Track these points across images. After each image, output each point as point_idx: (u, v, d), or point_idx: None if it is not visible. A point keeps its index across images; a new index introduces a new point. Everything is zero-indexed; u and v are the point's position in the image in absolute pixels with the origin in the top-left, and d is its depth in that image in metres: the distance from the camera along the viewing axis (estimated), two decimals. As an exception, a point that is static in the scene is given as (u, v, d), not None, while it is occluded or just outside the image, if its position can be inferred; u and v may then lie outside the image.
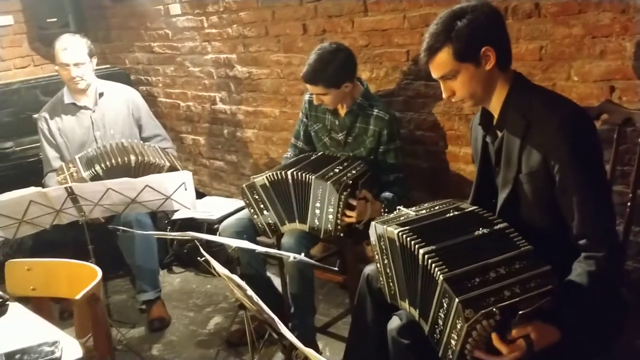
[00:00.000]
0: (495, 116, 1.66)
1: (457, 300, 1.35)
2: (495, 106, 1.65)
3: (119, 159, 2.82)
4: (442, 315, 1.44)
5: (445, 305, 1.41)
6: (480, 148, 1.77)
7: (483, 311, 1.34)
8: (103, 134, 3.09)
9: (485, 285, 1.37)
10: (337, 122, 2.58)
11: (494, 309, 1.34)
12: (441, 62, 1.58)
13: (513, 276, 1.39)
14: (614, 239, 1.52)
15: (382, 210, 2.35)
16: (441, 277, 1.40)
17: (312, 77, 2.39)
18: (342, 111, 2.55)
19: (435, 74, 1.63)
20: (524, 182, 1.58)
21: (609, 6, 2.03)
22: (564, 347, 1.42)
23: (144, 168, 2.87)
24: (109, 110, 3.12)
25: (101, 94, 3.12)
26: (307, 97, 2.70)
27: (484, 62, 1.56)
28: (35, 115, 3.43)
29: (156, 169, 2.89)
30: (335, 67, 2.37)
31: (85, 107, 3.09)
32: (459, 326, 1.37)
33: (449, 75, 1.59)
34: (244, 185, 2.47)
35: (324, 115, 2.63)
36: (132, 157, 2.83)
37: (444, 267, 1.41)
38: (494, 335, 1.36)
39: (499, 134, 1.66)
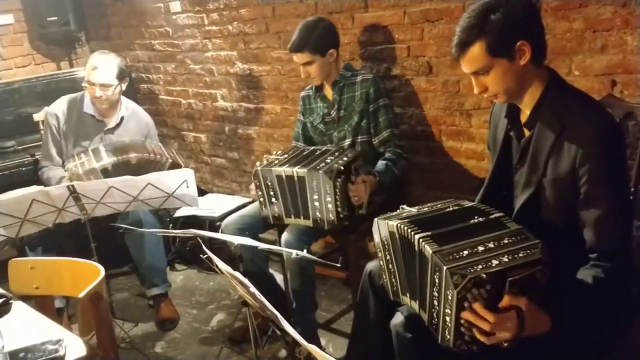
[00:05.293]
0: (527, 113, 1.59)
1: (445, 268, 1.37)
2: (527, 103, 1.58)
3: (138, 154, 2.84)
4: (436, 294, 1.45)
5: (437, 280, 1.43)
6: (501, 140, 1.72)
7: (471, 277, 1.34)
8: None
9: (474, 256, 1.39)
10: (326, 105, 2.67)
11: (482, 275, 1.35)
12: (473, 58, 1.51)
13: (502, 249, 1.40)
14: (626, 256, 1.49)
15: (376, 180, 2.39)
16: (430, 251, 1.42)
17: (299, 44, 2.50)
18: (329, 93, 2.65)
19: (466, 69, 1.56)
20: (547, 187, 1.54)
21: (610, 0, 2.03)
22: (563, 346, 1.42)
23: (149, 165, 2.88)
24: (123, 133, 3.10)
25: (122, 118, 3.10)
26: (302, 94, 2.80)
27: (518, 57, 1.49)
28: (36, 114, 3.43)
29: (157, 164, 2.90)
30: (318, 33, 2.50)
31: (104, 124, 3.08)
32: (450, 297, 1.38)
33: (481, 70, 1.52)
34: (259, 167, 2.44)
35: (316, 104, 2.72)
36: (151, 156, 2.86)
37: (434, 244, 1.44)
38: (477, 305, 1.36)
39: (527, 131, 1.62)
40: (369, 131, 2.58)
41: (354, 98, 2.57)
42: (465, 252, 1.41)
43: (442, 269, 1.38)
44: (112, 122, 3.10)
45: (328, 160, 2.32)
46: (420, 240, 1.48)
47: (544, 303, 1.40)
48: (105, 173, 2.74)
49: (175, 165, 2.91)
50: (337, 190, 2.25)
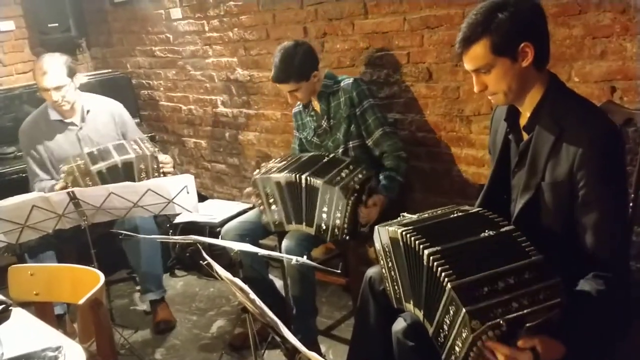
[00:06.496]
0: (527, 115, 1.59)
1: (464, 310, 1.33)
2: (527, 106, 1.59)
3: (125, 156, 2.79)
4: (448, 322, 1.42)
5: (451, 312, 1.39)
6: (500, 143, 1.72)
7: (490, 323, 1.32)
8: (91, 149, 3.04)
9: (494, 295, 1.35)
10: (316, 117, 2.68)
11: (501, 321, 1.33)
12: (477, 55, 1.51)
13: (522, 287, 1.36)
14: (625, 262, 1.49)
15: (385, 197, 2.38)
16: (449, 285, 1.36)
17: (284, 76, 2.50)
18: (317, 105, 2.65)
19: (468, 66, 1.55)
20: (546, 191, 1.53)
21: (609, 6, 2.03)
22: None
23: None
24: (96, 126, 3.06)
25: (88, 111, 3.05)
26: (293, 111, 2.81)
27: (520, 59, 1.49)
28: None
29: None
30: (300, 60, 2.49)
31: (72, 124, 3.03)
32: (464, 335, 1.36)
33: (483, 68, 1.52)
34: (257, 176, 2.44)
35: (307, 119, 2.73)
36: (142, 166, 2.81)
37: (450, 271, 1.38)
38: (496, 345, 1.35)
39: (525, 135, 1.61)
40: (359, 135, 2.57)
41: (340, 105, 2.57)
42: (485, 289, 1.35)
43: (460, 307, 1.34)
44: (78, 119, 3.04)
45: (343, 175, 2.31)
46: (431, 257, 1.43)
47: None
48: (101, 175, 2.72)
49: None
50: (349, 208, 2.25)
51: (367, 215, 2.32)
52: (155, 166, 2.84)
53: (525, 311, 1.34)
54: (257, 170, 2.49)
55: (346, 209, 2.26)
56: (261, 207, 2.50)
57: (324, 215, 2.33)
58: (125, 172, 2.76)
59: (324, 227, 2.35)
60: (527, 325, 1.33)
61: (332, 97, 2.60)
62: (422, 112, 2.73)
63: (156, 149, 2.90)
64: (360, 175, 2.31)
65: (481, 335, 1.34)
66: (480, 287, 1.36)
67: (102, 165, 2.72)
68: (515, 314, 1.34)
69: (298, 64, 2.48)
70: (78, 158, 2.75)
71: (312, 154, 2.58)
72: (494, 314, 1.33)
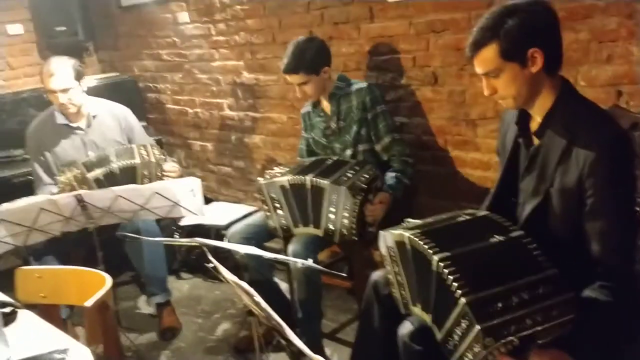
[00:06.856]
0: (538, 119, 1.60)
1: (478, 327, 1.32)
2: (538, 111, 1.59)
3: (129, 160, 2.80)
4: (459, 333, 1.41)
5: (464, 325, 1.38)
6: (510, 146, 1.72)
7: (503, 341, 1.32)
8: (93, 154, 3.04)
9: (508, 312, 1.34)
10: (325, 118, 2.68)
11: (514, 339, 1.33)
12: (486, 59, 1.52)
13: (536, 303, 1.35)
14: (632, 269, 1.48)
15: (390, 194, 2.40)
16: (463, 300, 1.35)
17: (293, 66, 2.51)
18: (328, 107, 2.65)
19: (478, 70, 1.57)
20: (554, 197, 1.53)
21: (615, 11, 2.03)
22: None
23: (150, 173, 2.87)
24: (102, 131, 3.06)
25: (94, 116, 3.05)
26: (301, 111, 2.82)
27: (530, 64, 1.50)
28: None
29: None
30: (312, 53, 2.51)
31: (79, 128, 3.03)
32: (476, 350, 1.36)
33: (492, 73, 1.53)
34: (262, 182, 2.45)
35: (316, 119, 2.73)
36: (140, 168, 2.82)
37: (462, 282, 1.36)
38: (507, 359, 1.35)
39: (536, 140, 1.62)
40: (369, 139, 2.58)
41: (351, 108, 2.58)
42: (499, 305, 1.34)
43: (473, 323, 1.33)
44: (84, 124, 3.04)
45: (349, 175, 2.31)
46: (441, 264, 1.41)
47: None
48: (99, 182, 2.73)
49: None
50: (356, 207, 2.26)
51: (373, 213, 2.32)
52: (159, 174, 2.85)
53: (538, 328, 1.34)
54: (262, 178, 2.50)
55: (353, 209, 2.26)
56: (268, 213, 2.51)
57: (332, 216, 2.33)
58: (125, 177, 2.76)
59: (332, 228, 2.35)
60: (539, 342, 1.34)
61: (343, 100, 2.60)
62: (428, 115, 2.73)
63: (163, 157, 2.91)
64: (366, 175, 2.32)
65: (493, 350, 1.33)
66: (494, 303, 1.34)
67: (98, 172, 2.73)
68: (528, 332, 1.33)
69: (309, 57, 2.50)
70: (74, 167, 2.75)
71: (315, 158, 2.59)
72: (508, 332, 1.33)
